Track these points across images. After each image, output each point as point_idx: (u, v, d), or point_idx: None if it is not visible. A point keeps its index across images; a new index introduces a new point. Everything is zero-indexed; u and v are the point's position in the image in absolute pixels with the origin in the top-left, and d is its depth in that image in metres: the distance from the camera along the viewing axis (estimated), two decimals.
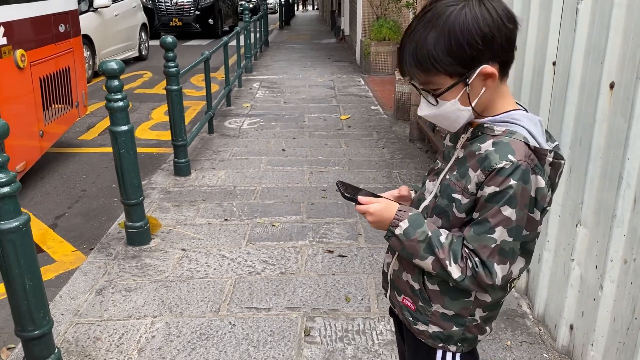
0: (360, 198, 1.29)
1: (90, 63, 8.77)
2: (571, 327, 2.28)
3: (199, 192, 4.26)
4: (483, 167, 1.15)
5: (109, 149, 5.42)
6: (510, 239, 1.17)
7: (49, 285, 3.07)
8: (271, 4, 30.00)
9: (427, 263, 1.23)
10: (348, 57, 11.73)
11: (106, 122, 6.50)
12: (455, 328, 1.33)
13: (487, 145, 1.16)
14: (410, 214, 1.25)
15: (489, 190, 1.15)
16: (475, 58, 1.12)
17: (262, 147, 5.46)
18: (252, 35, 10.55)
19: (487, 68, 1.13)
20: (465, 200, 1.20)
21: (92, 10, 8.84)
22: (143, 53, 11.03)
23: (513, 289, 2.74)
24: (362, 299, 2.81)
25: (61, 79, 4.83)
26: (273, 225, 3.67)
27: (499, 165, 1.12)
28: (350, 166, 4.91)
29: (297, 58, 12.07)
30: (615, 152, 1.92)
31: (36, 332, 2.11)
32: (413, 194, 1.44)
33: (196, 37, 15.34)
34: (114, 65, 3.05)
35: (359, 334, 2.54)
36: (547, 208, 1.26)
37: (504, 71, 1.18)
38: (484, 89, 1.16)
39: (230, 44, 7.09)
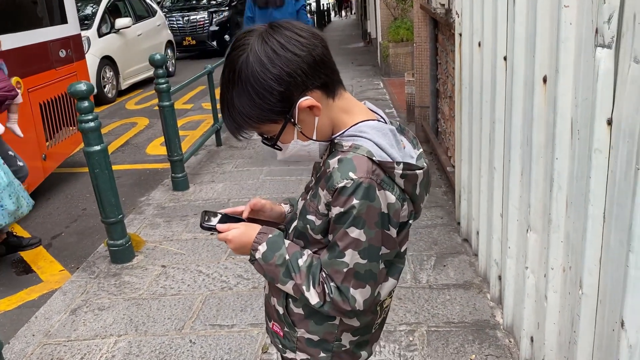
0: (218, 226, 1.23)
1: (114, 83, 9.04)
2: (531, 340, 2.12)
3: (192, 206, 4.28)
4: (328, 187, 1.07)
5: (119, 167, 5.58)
6: (365, 261, 1.08)
7: (32, 305, 3.15)
8: None
9: (289, 288, 1.16)
10: (372, 61, 11.61)
11: (121, 141, 6.69)
12: (322, 354, 1.25)
13: (333, 163, 1.08)
14: (269, 236, 1.18)
15: (335, 211, 1.07)
16: (283, 99, 1.05)
17: (266, 157, 5.44)
18: None
19: (303, 102, 1.06)
20: (318, 222, 1.13)
21: (114, 32, 9.11)
22: (170, 70, 11.26)
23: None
24: None
25: (65, 103, 4.97)
26: None
27: (340, 185, 1.04)
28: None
29: None
30: (551, 151, 1.77)
31: None
32: (288, 208, 1.37)
33: (215, 55, 13.29)
34: (82, 87, 3.09)
35: None
36: (410, 221, 1.17)
37: (329, 91, 1.10)
38: (316, 118, 1.09)
39: None
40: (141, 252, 3.54)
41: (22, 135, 3.84)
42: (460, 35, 3.07)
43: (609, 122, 1.36)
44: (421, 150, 1.20)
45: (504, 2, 2.21)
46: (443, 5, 3.87)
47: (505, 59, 2.25)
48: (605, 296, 1.45)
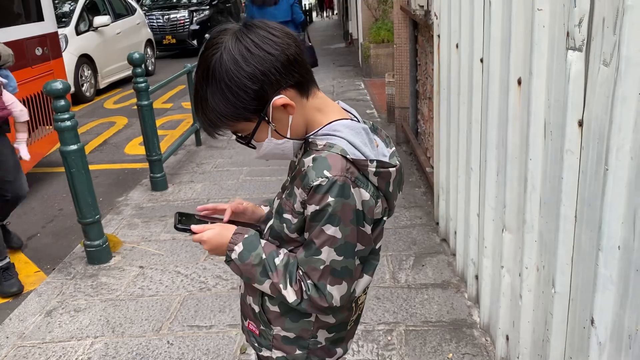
0: (193, 227, 1.22)
1: (92, 82, 8.93)
2: (507, 338, 2.15)
3: (171, 206, 4.24)
4: (303, 185, 1.08)
5: (97, 166, 5.51)
6: (341, 258, 1.10)
7: (6, 307, 3.09)
8: None
9: (266, 287, 1.16)
10: (353, 61, 11.63)
11: (99, 140, 6.61)
12: (298, 352, 1.25)
13: (308, 161, 1.09)
14: (245, 236, 1.19)
15: (310, 209, 1.08)
16: (257, 97, 1.05)
17: (246, 157, 5.41)
18: None
19: (277, 100, 1.06)
20: (294, 220, 1.14)
21: (93, 30, 8.99)
22: (150, 69, 11.16)
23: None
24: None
25: (41, 102, 4.90)
26: None
27: (315, 183, 1.05)
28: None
29: None
30: (525, 152, 1.80)
31: None
32: (267, 209, 1.36)
33: (195, 54, 12.68)
34: (58, 86, 3.05)
35: None
36: (384, 218, 1.19)
37: (303, 90, 1.11)
38: (290, 116, 1.10)
39: None
40: (119, 252, 3.50)
41: (28, 157, 3.45)
42: (439, 36, 3.09)
43: (580, 124, 1.39)
44: (394, 148, 1.22)
45: (480, 4, 2.24)
46: (422, 6, 3.90)
47: (481, 60, 2.28)
48: (577, 294, 1.48)
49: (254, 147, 1.16)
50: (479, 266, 2.48)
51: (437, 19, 3.14)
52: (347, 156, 1.07)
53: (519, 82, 1.83)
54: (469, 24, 2.42)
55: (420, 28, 4.47)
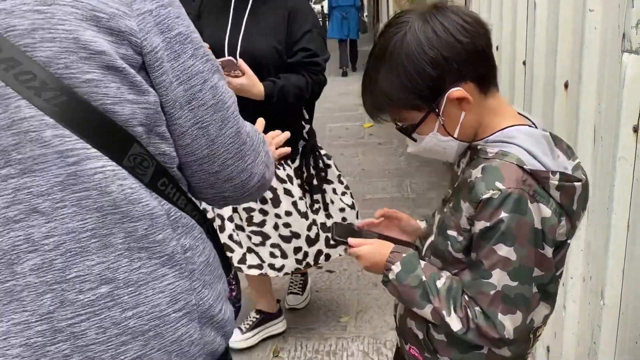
0: (350, 240, 1.16)
1: None
2: (547, 349, 2.09)
3: None
4: (470, 199, 0.97)
5: None
6: (515, 283, 0.96)
7: None
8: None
9: (427, 312, 1.05)
10: None
11: None
12: None
13: (477, 172, 0.98)
14: (403, 255, 1.09)
15: (479, 225, 0.97)
16: (434, 86, 0.97)
17: None
18: None
19: (454, 92, 0.97)
20: (460, 238, 1.02)
21: None
22: None
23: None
24: (340, 318, 2.71)
25: None
26: None
27: (486, 196, 0.94)
28: (362, 176, 4.80)
29: (328, 66, 12.00)
30: None
31: None
32: (423, 225, 1.28)
33: None
34: None
35: (329, 355, 2.44)
36: (568, 241, 1.05)
37: (483, 86, 1.00)
38: (463, 113, 1.00)
39: None
40: None
41: None
42: None
43: (635, 130, 1.33)
44: (577, 161, 1.08)
45: (523, 6, 2.18)
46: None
47: (524, 63, 2.22)
48: (628, 308, 1.42)
49: (415, 140, 1.07)
50: None
51: None
52: (524, 166, 0.95)
53: (566, 86, 1.77)
54: (511, 25, 2.36)
55: None
